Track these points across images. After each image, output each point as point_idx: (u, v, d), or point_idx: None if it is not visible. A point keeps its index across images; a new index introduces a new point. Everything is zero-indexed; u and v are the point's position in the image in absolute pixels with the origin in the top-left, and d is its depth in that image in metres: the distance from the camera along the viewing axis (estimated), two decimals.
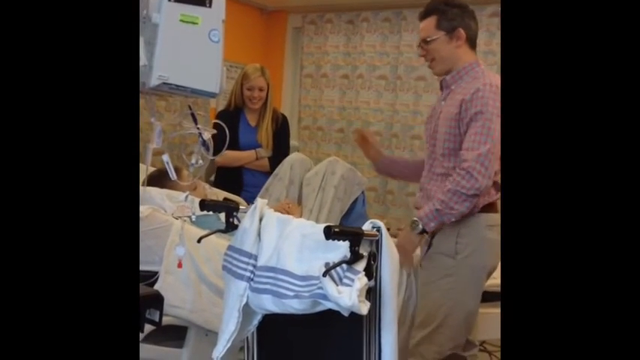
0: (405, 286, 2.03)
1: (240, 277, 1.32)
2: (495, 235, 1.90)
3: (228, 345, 1.33)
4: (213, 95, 1.26)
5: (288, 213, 1.55)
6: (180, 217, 1.75)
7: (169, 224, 1.83)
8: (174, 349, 1.84)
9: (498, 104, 1.83)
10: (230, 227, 1.41)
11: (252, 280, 1.31)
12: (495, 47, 3.57)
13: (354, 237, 1.15)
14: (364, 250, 1.17)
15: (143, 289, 1.32)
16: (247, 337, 1.42)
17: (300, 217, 2.28)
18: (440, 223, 1.87)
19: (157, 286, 1.73)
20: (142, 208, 1.81)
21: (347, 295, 1.10)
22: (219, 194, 2.52)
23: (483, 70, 1.95)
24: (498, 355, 2.57)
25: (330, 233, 1.13)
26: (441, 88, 2.04)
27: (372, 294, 1.18)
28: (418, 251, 2.05)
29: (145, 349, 1.78)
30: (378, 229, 1.20)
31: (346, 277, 1.14)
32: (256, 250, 1.33)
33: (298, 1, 4.23)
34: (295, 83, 4.50)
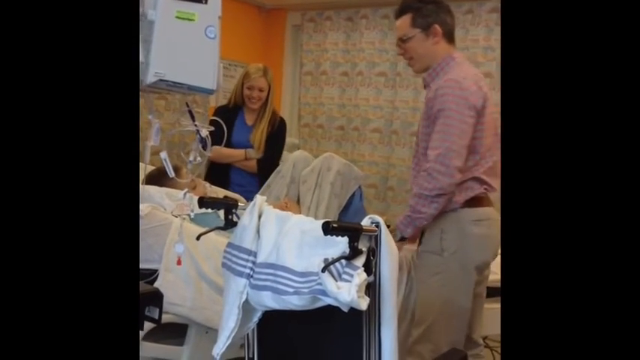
0: (405, 282, 2.03)
1: (240, 274, 1.32)
2: (483, 230, 1.90)
3: (229, 342, 1.33)
4: (210, 92, 1.25)
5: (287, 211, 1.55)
6: (179, 215, 1.75)
7: (169, 222, 1.83)
8: (174, 347, 1.85)
9: (461, 97, 1.82)
10: (229, 224, 1.41)
11: (251, 276, 1.31)
12: (494, 43, 3.57)
13: (353, 232, 1.15)
14: (363, 246, 1.17)
15: (142, 286, 1.32)
16: (247, 334, 1.42)
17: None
18: (416, 228, 1.90)
19: (156, 284, 1.73)
20: (141, 206, 1.81)
21: (346, 291, 1.10)
22: (219, 192, 2.51)
23: (456, 63, 1.94)
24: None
25: (328, 229, 1.13)
26: (424, 86, 2.04)
27: (372, 289, 1.18)
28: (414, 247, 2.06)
29: (146, 347, 1.78)
30: (377, 225, 1.19)
31: (345, 272, 1.14)
32: (256, 246, 1.33)
33: None
34: (295, 81, 4.50)
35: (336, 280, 1.14)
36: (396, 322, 1.20)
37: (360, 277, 1.12)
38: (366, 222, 1.20)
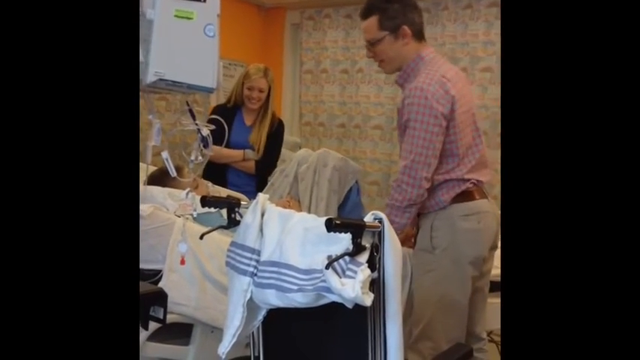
0: (409, 278, 2.03)
1: (244, 272, 1.32)
2: (472, 224, 1.90)
3: (234, 340, 1.33)
4: (210, 90, 1.25)
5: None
6: (182, 215, 1.75)
7: (172, 222, 1.83)
8: (180, 347, 1.85)
9: (426, 106, 1.81)
10: (232, 223, 1.41)
11: (255, 275, 1.31)
12: (494, 37, 3.56)
13: (356, 229, 1.14)
14: (366, 242, 1.17)
15: (146, 286, 1.32)
16: (253, 333, 1.42)
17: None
18: None
19: (160, 285, 1.73)
20: (144, 206, 1.81)
21: (350, 287, 1.10)
22: (221, 192, 2.51)
23: (425, 63, 1.91)
24: None
25: (331, 226, 1.13)
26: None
27: (376, 285, 1.18)
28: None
29: (152, 348, 1.78)
30: (380, 221, 1.19)
31: (349, 269, 1.14)
32: (259, 245, 1.32)
33: None
34: (295, 80, 4.49)
35: (340, 277, 1.13)
36: (400, 317, 1.20)
37: (364, 273, 1.12)
38: (368, 218, 1.20)
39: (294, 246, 1.27)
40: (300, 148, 3.37)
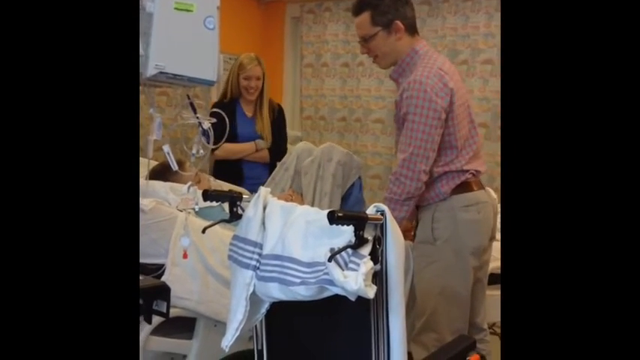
0: (412, 270, 2.03)
1: (246, 266, 1.32)
2: (473, 215, 1.91)
3: (237, 334, 1.33)
4: (211, 83, 1.25)
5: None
6: (184, 209, 1.75)
7: (174, 217, 1.83)
8: (183, 341, 1.85)
9: (425, 99, 1.81)
10: (234, 217, 1.41)
11: (258, 268, 1.31)
12: (495, 29, 3.54)
13: (358, 221, 1.14)
14: (369, 235, 1.17)
15: (149, 280, 1.32)
16: (256, 326, 1.42)
17: None
18: None
19: (163, 279, 1.73)
20: (146, 201, 1.81)
21: (353, 280, 1.10)
22: (223, 186, 2.51)
23: (420, 57, 1.92)
24: None
25: (333, 218, 1.13)
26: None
27: (379, 278, 1.18)
28: None
29: (155, 342, 1.79)
30: (382, 213, 1.19)
31: (352, 261, 1.14)
32: (261, 238, 1.32)
33: None
34: (296, 73, 4.48)
35: (343, 270, 1.13)
36: (403, 310, 1.20)
37: (367, 265, 1.12)
38: (371, 210, 1.20)
39: (296, 239, 1.27)
40: (301, 141, 3.37)
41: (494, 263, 2.11)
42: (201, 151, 1.37)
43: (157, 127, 1.34)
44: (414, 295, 2.00)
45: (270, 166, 2.90)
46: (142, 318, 1.28)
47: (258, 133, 2.91)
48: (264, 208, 1.34)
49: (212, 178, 2.54)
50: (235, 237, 1.37)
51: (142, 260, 1.57)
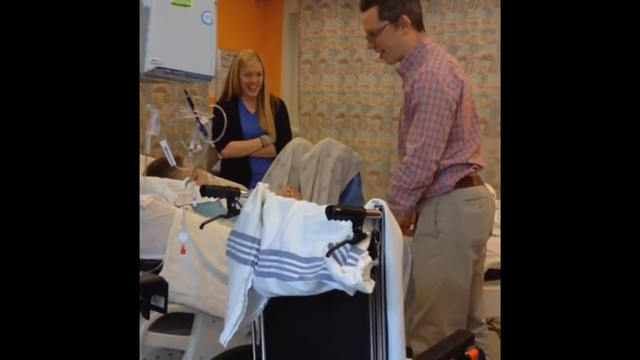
0: (411, 265, 2.03)
1: (244, 261, 1.32)
2: (475, 209, 1.92)
3: (235, 329, 1.33)
4: (208, 78, 1.25)
5: None
6: (181, 205, 1.75)
7: (171, 212, 1.83)
8: (181, 337, 1.85)
9: (437, 90, 1.83)
10: (232, 212, 1.41)
11: (256, 264, 1.31)
12: (494, 25, 3.54)
13: (356, 216, 1.14)
14: (367, 230, 1.17)
15: (147, 276, 1.32)
16: (254, 321, 1.42)
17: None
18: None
19: (161, 274, 1.73)
20: (143, 197, 1.81)
21: (351, 275, 1.10)
22: (221, 182, 2.51)
23: (428, 51, 1.94)
24: None
25: (332, 213, 1.12)
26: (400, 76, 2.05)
27: (377, 273, 1.18)
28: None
29: (154, 337, 1.79)
30: (381, 208, 1.19)
31: (350, 256, 1.14)
32: (259, 234, 1.32)
33: None
34: (294, 70, 4.48)
35: (341, 265, 1.13)
36: (402, 305, 1.20)
37: (365, 260, 1.12)
38: (369, 205, 1.20)
39: (294, 234, 1.26)
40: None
41: (493, 259, 2.12)
42: (199, 146, 1.37)
43: (154, 123, 1.34)
44: (413, 289, 2.01)
45: None
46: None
47: (263, 129, 2.92)
48: (262, 204, 1.34)
49: (209, 174, 2.54)
50: (233, 232, 1.37)
51: (139, 256, 1.57)
